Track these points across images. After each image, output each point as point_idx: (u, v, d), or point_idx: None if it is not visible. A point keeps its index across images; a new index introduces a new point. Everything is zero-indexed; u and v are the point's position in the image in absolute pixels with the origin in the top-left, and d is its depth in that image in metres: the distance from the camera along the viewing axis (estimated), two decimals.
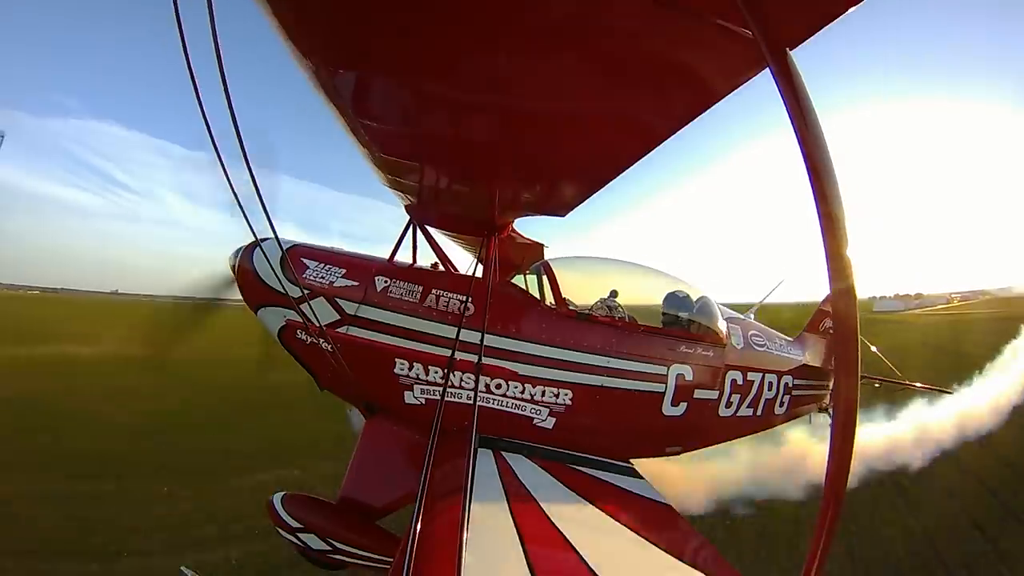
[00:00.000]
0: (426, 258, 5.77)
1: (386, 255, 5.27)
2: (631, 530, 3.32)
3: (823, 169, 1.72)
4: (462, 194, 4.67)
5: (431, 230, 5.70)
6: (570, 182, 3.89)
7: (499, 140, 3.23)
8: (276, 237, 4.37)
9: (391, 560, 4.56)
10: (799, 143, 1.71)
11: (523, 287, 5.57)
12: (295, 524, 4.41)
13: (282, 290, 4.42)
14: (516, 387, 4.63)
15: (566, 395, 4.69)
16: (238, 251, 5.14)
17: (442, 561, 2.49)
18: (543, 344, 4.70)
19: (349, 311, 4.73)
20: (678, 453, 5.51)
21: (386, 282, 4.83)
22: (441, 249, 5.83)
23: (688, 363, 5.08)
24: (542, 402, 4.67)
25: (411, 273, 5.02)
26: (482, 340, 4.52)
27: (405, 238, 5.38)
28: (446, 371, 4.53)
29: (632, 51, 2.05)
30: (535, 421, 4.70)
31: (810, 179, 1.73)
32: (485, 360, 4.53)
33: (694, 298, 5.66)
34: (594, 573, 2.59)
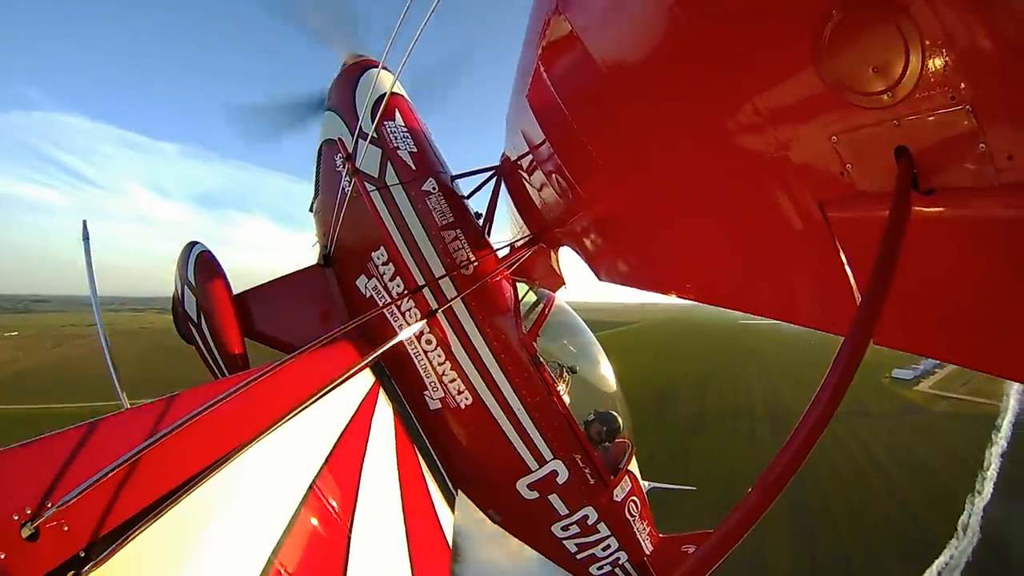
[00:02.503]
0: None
1: None
2: (406, 544, 3.38)
3: None
4: (552, 198, 4.68)
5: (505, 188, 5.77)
6: (637, 269, 3.92)
7: (633, 205, 3.25)
8: (395, 84, 4.44)
9: (220, 375, 4.70)
10: None
11: (519, 296, 5.57)
12: (191, 278, 4.49)
13: (358, 117, 4.48)
14: (438, 355, 4.64)
15: (465, 398, 4.69)
16: (364, 67, 5.19)
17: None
18: (488, 348, 4.70)
19: (387, 180, 4.76)
20: (498, 523, 5.49)
21: (433, 188, 4.84)
22: (494, 208, 5.84)
23: (570, 471, 5.05)
24: (444, 385, 4.67)
25: (456, 203, 5.03)
26: (452, 299, 4.54)
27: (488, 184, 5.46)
28: (404, 293, 4.55)
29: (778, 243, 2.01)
30: (425, 393, 4.72)
31: None
32: (438, 316, 4.54)
33: (626, 439, 5.67)
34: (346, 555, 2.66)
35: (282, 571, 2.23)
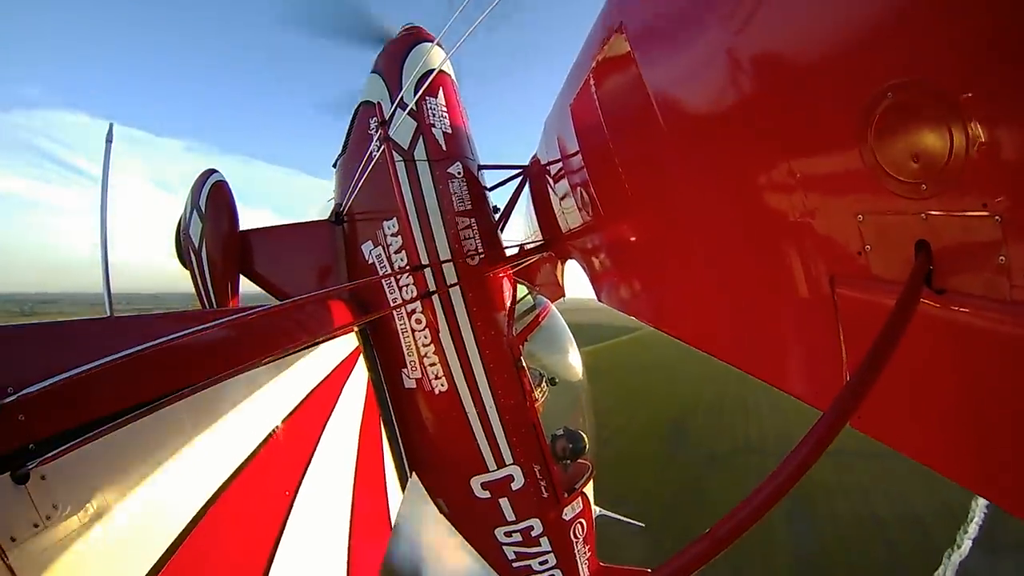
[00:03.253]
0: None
1: None
2: (349, 512, 3.39)
3: None
4: (572, 210, 4.70)
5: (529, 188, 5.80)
6: (638, 300, 3.93)
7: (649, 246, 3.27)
8: (445, 62, 4.46)
9: (209, 306, 4.73)
10: None
11: (517, 297, 5.59)
12: (202, 204, 4.51)
13: (402, 86, 4.50)
14: (425, 337, 4.64)
15: (441, 384, 4.69)
16: (418, 39, 5.19)
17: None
18: (475, 341, 4.70)
19: (415, 154, 4.76)
20: (444, 514, 5.50)
21: (458, 172, 4.84)
22: (513, 206, 5.85)
23: (526, 479, 5.06)
24: (423, 367, 4.68)
25: (477, 192, 5.03)
26: (451, 285, 4.55)
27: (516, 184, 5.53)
28: (406, 268, 4.56)
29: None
30: (403, 370, 4.73)
31: None
32: (433, 299, 4.55)
33: (588, 462, 5.70)
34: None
35: (224, 511, 2.23)
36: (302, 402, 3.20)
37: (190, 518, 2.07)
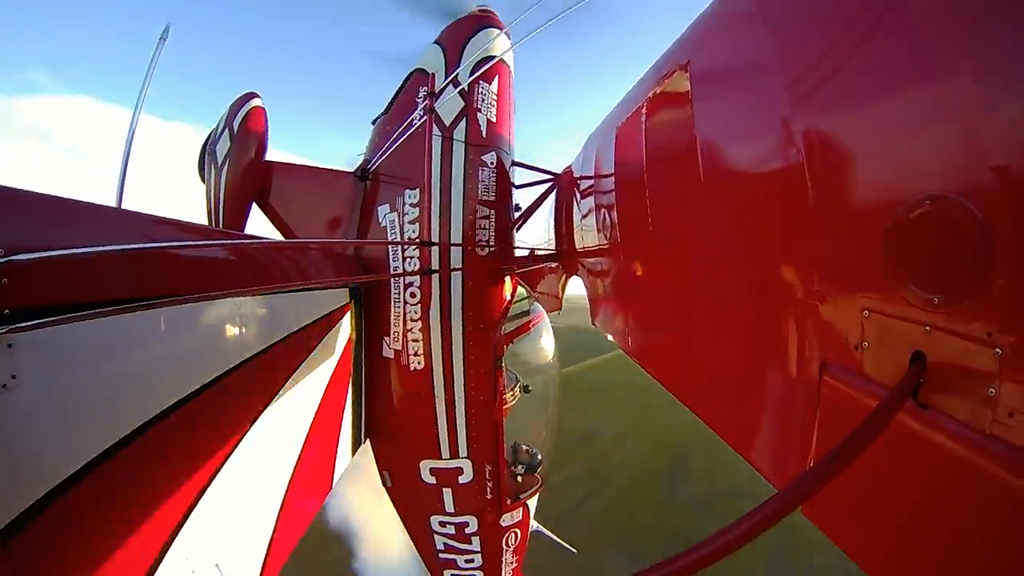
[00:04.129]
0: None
1: None
2: (295, 462, 3.41)
3: None
4: (591, 229, 4.72)
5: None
6: (629, 334, 4.06)
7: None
8: (507, 52, 4.50)
9: (216, 225, 4.76)
10: None
11: (514, 298, 5.63)
12: (235, 124, 4.58)
13: (459, 68, 4.54)
14: (414, 312, 4.64)
15: (418, 362, 4.69)
16: (487, 23, 5.21)
17: None
18: (462, 329, 4.69)
19: (455, 135, 4.76)
20: (387, 488, 5.52)
21: (491, 162, 4.84)
22: (535, 209, 5.86)
23: (475, 476, 5.06)
24: (405, 340, 4.68)
25: (504, 187, 5.03)
26: (455, 269, 4.55)
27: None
28: (415, 240, 4.56)
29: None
30: (385, 338, 4.74)
31: None
32: (433, 278, 4.55)
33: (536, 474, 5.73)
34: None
35: (176, 423, 2.24)
36: (280, 341, 3.20)
37: (140, 423, 2.07)
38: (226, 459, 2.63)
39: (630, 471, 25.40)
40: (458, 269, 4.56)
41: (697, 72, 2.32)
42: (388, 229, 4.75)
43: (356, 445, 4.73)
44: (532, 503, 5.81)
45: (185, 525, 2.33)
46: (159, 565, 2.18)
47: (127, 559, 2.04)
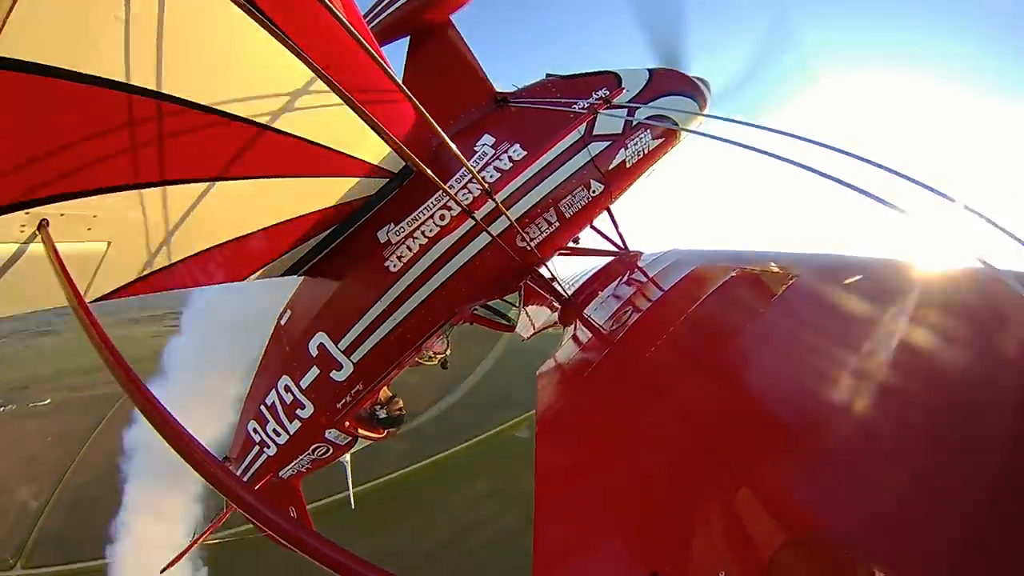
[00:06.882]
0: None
1: None
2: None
3: None
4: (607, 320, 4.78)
5: None
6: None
7: None
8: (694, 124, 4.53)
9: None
10: None
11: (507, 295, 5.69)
12: None
13: (650, 103, 4.62)
14: (430, 229, 4.60)
15: (393, 264, 4.67)
16: (697, 91, 5.28)
17: None
18: (448, 277, 4.67)
19: (589, 148, 4.81)
20: (279, 323, 5.58)
21: (594, 192, 4.86)
22: (591, 255, 5.89)
23: (345, 381, 5.03)
24: (402, 241, 4.65)
25: (582, 216, 5.04)
26: (494, 235, 4.48)
27: None
28: (485, 182, 4.48)
29: None
30: (388, 225, 4.70)
31: None
32: (468, 221, 4.54)
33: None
34: None
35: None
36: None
37: None
38: None
39: None
40: (492, 240, 4.50)
41: None
42: (475, 155, 4.72)
43: (293, 269, 4.72)
44: (361, 444, 5.81)
45: None
46: None
47: None
